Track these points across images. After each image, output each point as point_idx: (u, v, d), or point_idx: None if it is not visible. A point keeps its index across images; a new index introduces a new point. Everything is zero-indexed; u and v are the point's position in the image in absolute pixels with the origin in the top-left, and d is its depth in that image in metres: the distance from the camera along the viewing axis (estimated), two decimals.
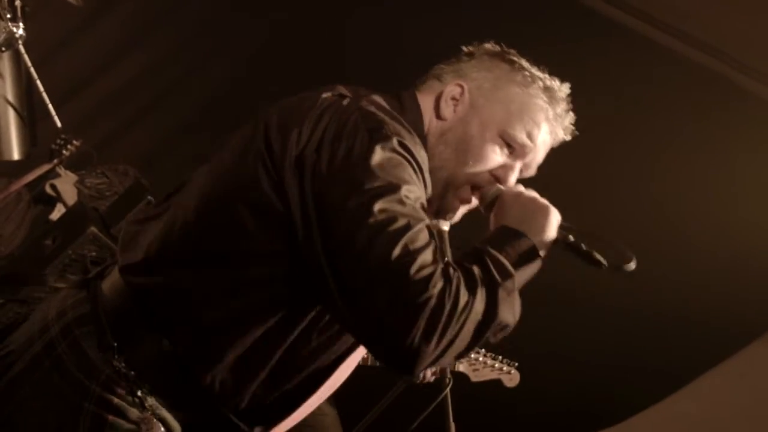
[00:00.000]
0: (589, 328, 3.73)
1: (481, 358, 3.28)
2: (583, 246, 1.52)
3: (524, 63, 1.68)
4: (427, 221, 1.38)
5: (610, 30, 3.43)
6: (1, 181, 3.64)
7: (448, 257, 1.98)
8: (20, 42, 3.09)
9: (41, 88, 3.19)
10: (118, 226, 3.32)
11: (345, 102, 1.48)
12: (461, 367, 3.18)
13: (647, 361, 3.69)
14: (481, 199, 1.64)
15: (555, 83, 1.68)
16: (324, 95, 1.51)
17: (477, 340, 1.34)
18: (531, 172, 1.71)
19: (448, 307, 1.28)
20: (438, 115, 1.64)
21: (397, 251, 1.29)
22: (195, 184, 1.57)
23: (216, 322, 1.44)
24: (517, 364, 3.36)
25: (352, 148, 1.37)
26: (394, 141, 1.40)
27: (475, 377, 3.28)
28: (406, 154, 1.41)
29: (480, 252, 1.41)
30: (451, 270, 1.33)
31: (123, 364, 1.43)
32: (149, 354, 1.44)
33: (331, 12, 3.87)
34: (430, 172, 1.52)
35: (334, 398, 3.22)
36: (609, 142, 3.57)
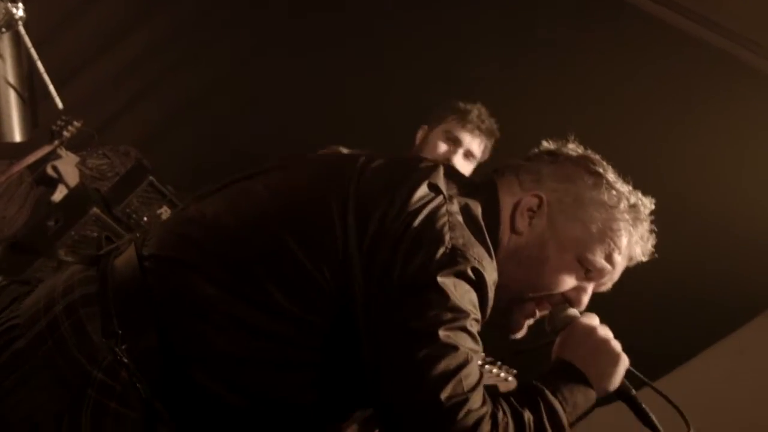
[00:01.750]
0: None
1: (479, 362, 3.29)
2: (644, 406, 1.47)
3: (609, 176, 1.54)
4: (482, 353, 1.34)
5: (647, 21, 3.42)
6: (2, 162, 3.65)
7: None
8: (20, 23, 3.08)
9: (42, 69, 3.18)
10: (120, 207, 3.35)
11: (437, 201, 1.38)
12: None
13: (647, 339, 3.71)
14: (549, 320, 1.55)
15: (640, 200, 1.56)
16: (417, 186, 1.39)
17: None
18: (605, 289, 1.61)
19: None
20: (513, 228, 1.51)
21: (449, 389, 1.24)
22: (249, 193, 1.47)
23: (225, 348, 1.36)
24: (515, 371, 3.37)
25: (430, 261, 1.30)
26: (473, 265, 1.33)
27: None
28: (478, 282, 1.34)
29: (537, 394, 1.37)
30: (500, 415, 1.30)
31: (125, 354, 1.35)
32: (150, 347, 1.37)
33: None
34: (497, 288, 1.43)
35: None
36: (623, 124, 3.58)
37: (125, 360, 1.34)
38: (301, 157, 1.57)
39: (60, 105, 3.20)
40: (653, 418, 1.46)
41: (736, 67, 3.38)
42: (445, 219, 1.35)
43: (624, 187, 1.55)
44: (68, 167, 3.61)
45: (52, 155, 3.63)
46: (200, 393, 1.37)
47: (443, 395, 1.24)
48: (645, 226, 1.56)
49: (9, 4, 3.00)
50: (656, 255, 1.58)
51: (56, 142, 3.56)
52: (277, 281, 1.34)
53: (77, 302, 1.42)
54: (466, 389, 1.26)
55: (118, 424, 1.34)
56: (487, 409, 1.28)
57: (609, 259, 1.52)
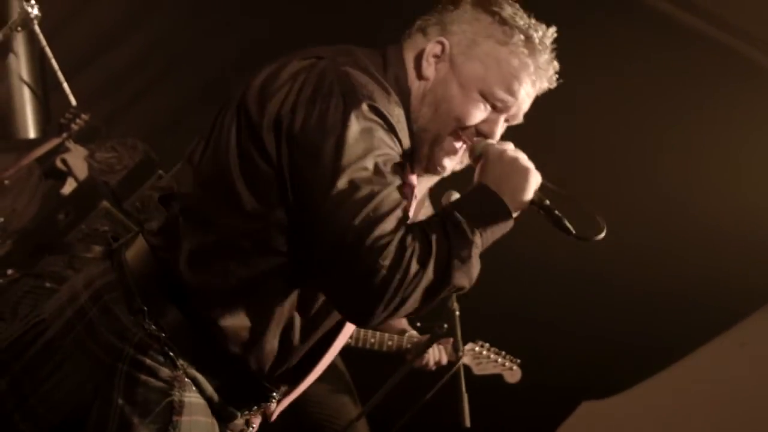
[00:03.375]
0: (587, 302, 3.78)
1: (485, 352, 3.35)
2: (556, 211, 1.56)
3: (506, 13, 1.65)
4: (397, 182, 1.47)
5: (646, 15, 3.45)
6: (11, 155, 3.67)
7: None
8: (36, 22, 3.10)
9: (56, 67, 3.20)
10: (130, 200, 3.37)
11: (322, 63, 1.53)
12: (466, 359, 3.24)
13: (647, 334, 3.75)
14: (470, 153, 1.67)
15: (537, 33, 1.65)
16: (301, 60, 1.56)
17: (430, 301, 1.46)
18: (517, 121, 1.72)
19: (397, 277, 1.40)
20: (420, 75, 1.65)
21: (356, 223, 1.40)
22: (195, 159, 1.63)
23: (231, 288, 1.52)
24: (519, 361, 3.42)
25: (325, 113, 1.45)
26: (365, 106, 1.46)
27: (478, 370, 3.35)
28: (376, 118, 1.48)
29: (445, 217, 1.50)
30: (409, 239, 1.43)
31: (154, 327, 1.50)
32: (176, 318, 1.52)
33: None
34: (416, 133, 1.61)
35: (350, 372, 3.31)
36: (619, 116, 3.61)
37: (156, 332, 1.49)
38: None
39: (74, 102, 3.22)
40: (565, 221, 1.55)
41: (739, 64, 3.41)
42: (332, 74, 1.49)
43: (521, 21, 1.64)
44: (77, 160, 3.62)
45: (61, 148, 3.65)
46: (230, 355, 1.53)
47: (350, 230, 1.39)
48: (544, 56, 1.65)
49: (24, 3, 3.02)
50: (561, 80, 1.68)
51: (64, 135, 3.59)
52: (243, 208, 1.50)
53: (101, 290, 1.56)
54: (373, 219, 1.40)
55: (147, 392, 1.49)
56: (398, 234, 1.42)
57: (509, 90, 1.64)
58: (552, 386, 3.88)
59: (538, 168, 1.59)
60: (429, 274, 1.43)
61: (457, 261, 1.45)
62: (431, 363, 3.18)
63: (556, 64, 1.67)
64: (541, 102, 1.72)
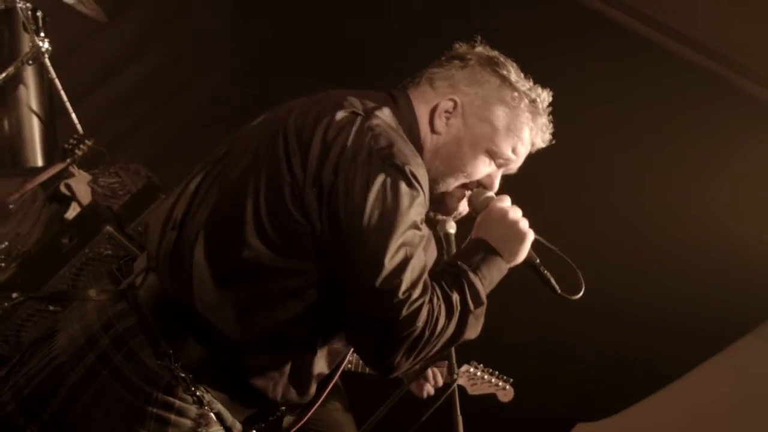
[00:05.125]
0: (581, 327, 3.82)
1: (479, 373, 3.41)
2: (543, 270, 1.77)
3: (512, 76, 1.79)
4: (424, 241, 1.59)
5: (613, 33, 3.53)
6: (16, 180, 3.72)
7: None
8: (46, 56, 3.18)
9: (65, 98, 3.28)
10: (133, 225, 3.42)
11: (358, 122, 1.60)
12: (461, 381, 3.29)
13: (639, 358, 3.81)
14: (470, 203, 1.82)
15: (539, 96, 1.81)
16: (339, 113, 1.62)
17: (441, 352, 1.62)
18: (512, 172, 1.87)
19: (427, 334, 1.54)
20: (433, 130, 1.77)
21: (400, 297, 1.51)
22: (202, 193, 1.66)
23: (251, 328, 1.58)
24: (512, 380, 3.48)
25: (367, 180, 1.53)
26: (406, 170, 1.56)
27: (472, 391, 3.41)
28: (414, 183, 1.57)
29: (462, 276, 1.64)
30: (435, 300, 1.56)
31: (180, 369, 1.57)
32: (200, 356, 1.58)
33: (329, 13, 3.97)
34: (429, 183, 1.69)
35: (348, 395, 3.36)
36: (609, 141, 3.69)
37: (182, 374, 1.55)
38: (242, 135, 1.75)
39: (81, 130, 3.29)
40: (552, 281, 1.77)
41: (725, 91, 3.49)
42: (369, 136, 1.58)
43: (525, 85, 1.80)
44: (81, 185, 3.68)
45: (64, 173, 3.71)
46: (251, 386, 1.60)
47: (398, 297, 1.50)
48: (543, 119, 1.82)
49: (36, 38, 3.10)
50: (553, 142, 1.85)
51: (68, 161, 3.64)
52: (270, 256, 1.56)
53: (123, 336, 1.60)
54: (411, 287, 1.52)
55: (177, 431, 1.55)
56: (425, 297, 1.54)
57: (515, 151, 1.80)
58: (547, 409, 3.93)
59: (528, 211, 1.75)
60: (451, 329, 1.59)
61: (472, 318, 1.62)
62: (431, 391, 3.22)
63: (551, 126, 1.84)
64: None
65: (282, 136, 1.60)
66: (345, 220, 1.52)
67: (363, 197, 1.52)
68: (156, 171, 3.94)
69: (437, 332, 1.56)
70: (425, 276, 1.57)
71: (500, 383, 3.46)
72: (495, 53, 1.83)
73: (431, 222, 1.84)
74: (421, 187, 1.59)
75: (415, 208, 1.56)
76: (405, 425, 2.93)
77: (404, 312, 1.51)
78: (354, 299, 1.54)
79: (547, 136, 1.84)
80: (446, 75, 1.80)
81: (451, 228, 2.18)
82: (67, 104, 3.29)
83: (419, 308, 1.52)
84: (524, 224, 1.74)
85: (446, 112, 1.77)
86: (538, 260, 1.77)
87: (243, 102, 4.27)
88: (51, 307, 3.23)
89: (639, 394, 4.00)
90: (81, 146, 3.61)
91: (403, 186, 1.54)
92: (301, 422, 1.80)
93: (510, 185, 1.87)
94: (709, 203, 3.62)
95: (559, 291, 1.75)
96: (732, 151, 3.54)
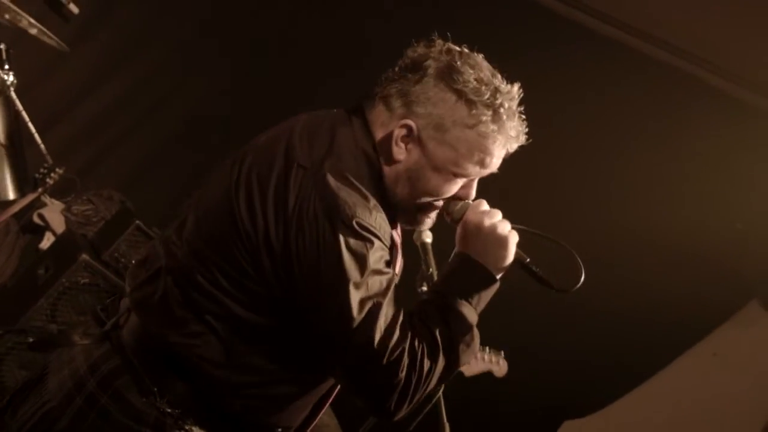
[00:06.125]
0: (563, 326, 3.85)
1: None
2: (535, 269, 1.70)
3: (470, 87, 1.63)
4: (393, 281, 1.57)
5: (581, 35, 3.58)
6: None
7: (432, 269, 2.15)
8: (12, 88, 3.16)
9: (33, 130, 3.25)
10: (109, 251, 3.40)
11: (301, 179, 1.57)
12: None
13: (623, 352, 3.84)
14: (446, 214, 1.75)
15: (504, 98, 1.65)
16: (284, 168, 1.59)
17: (441, 383, 1.63)
18: (493, 171, 1.77)
19: (414, 379, 1.54)
20: (391, 159, 1.68)
21: (374, 347, 1.51)
22: (180, 240, 1.67)
23: (236, 368, 1.60)
24: (503, 352, 3.43)
25: (317, 242, 1.51)
26: (353, 225, 1.53)
27: (468, 372, 3.37)
28: (364, 234, 1.54)
29: (441, 303, 1.62)
30: (416, 342, 1.55)
31: (166, 405, 1.58)
32: (184, 390, 1.59)
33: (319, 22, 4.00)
34: (396, 204, 1.69)
35: (335, 409, 3.35)
36: (578, 140, 3.73)
37: (169, 410, 1.56)
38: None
39: (50, 160, 3.26)
40: (545, 277, 1.69)
41: (699, 90, 3.55)
42: (312, 193, 1.54)
43: (486, 94, 1.64)
44: (54, 214, 3.66)
45: (37, 203, 3.68)
46: (238, 417, 1.60)
47: (373, 348, 1.50)
48: (512, 122, 1.68)
49: (1, 72, 3.08)
50: (530, 139, 1.73)
51: (40, 190, 3.61)
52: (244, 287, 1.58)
53: (108, 377, 1.62)
54: (386, 336, 1.51)
55: None
56: (404, 344, 1.53)
57: (482, 164, 1.70)
58: (534, 408, 3.95)
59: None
60: (440, 365, 1.57)
61: (462, 346, 1.60)
62: None
63: (524, 124, 1.71)
64: None
65: (234, 194, 1.61)
66: (302, 285, 1.53)
67: (315, 260, 1.51)
68: (129, 195, 3.93)
69: (425, 373, 1.55)
70: (401, 319, 1.55)
71: (493, 358, 3.40)
72: (454, 53, 1.67)
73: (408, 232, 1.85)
74: (374, 233, 1.55)
75: (372, 256, 1.53)
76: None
77: (384, 362, 1.51)
78: (333, 357, 1.56)
79: (522, 137, 1.70)
80: (401, 91, 1.67)
81: (428, 237, 2.19)
82: (35, 135, 3.26)
83: (400, 356, 1.52)
84: (503, 227, 1.66)
85: (404, 137, 1.66)
86: (528, 259, 1.70)
87: (212, 124, 4.28)
88: (30, 339, 3.20)
89: (623, 389, 4.02)
90: (52, 175, 3.58)
91: (352, 242, 1.51)
92: None
93: (483, 186, 1.82)
94: (684, 196, 3.67)
95: (555, 287, 1.68)
96: (703, 142, 3.59)
